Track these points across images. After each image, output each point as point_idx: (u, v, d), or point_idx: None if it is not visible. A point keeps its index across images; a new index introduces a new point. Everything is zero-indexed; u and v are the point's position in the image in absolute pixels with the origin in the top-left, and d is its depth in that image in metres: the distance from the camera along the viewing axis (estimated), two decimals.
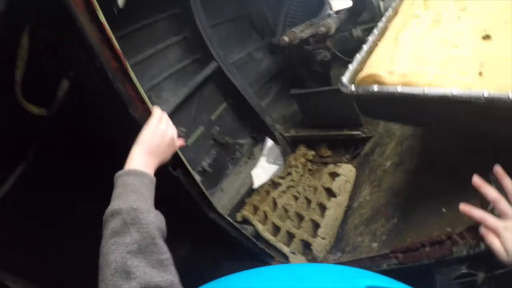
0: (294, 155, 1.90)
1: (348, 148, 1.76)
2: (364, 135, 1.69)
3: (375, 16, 1.74)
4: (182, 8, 1.78)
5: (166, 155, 0.77)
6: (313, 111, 1.85)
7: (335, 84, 1.82)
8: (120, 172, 0.66)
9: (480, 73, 0.76)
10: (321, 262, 1.41)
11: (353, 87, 0.87)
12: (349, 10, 2.01)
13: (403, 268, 0.92)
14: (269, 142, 1.93)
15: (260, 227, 1.64)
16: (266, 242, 1.59)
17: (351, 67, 0.92)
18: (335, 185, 1.55)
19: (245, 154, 1.94)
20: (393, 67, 0.85)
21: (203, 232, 1.37)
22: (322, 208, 1.53)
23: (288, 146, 1.96)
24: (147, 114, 0.80)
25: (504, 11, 0.91)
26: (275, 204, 1.70)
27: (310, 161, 1.84)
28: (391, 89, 0.78)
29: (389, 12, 1.15)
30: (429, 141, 1.21)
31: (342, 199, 1.53)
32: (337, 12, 2.47)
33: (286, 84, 2.20)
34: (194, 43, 1.82)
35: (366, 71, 0.89)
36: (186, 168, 1.03)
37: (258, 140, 2.00)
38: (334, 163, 1.74)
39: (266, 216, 1.68)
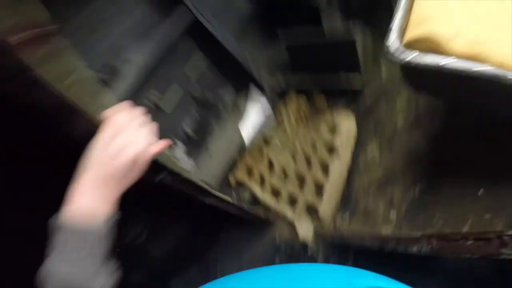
0: (285, 105, 1.70)
1: (346, 94, 1.57)
2: (362, 88, 1.49)
3: None
4: None
5: (130, 177, 0.53)
6: (304, 53, 1.59)
7: (325, 20, 1.54)
8: (58, 220, 0.47)
9: None
10: (328, 225, 1.34)
11: (412, 56, 0.63)
12: None
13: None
14: (255, 92, 1.70)
15: (258, 191, 1.52)
16: (267, 208, 1.48)
17: (396, 24, 0.67)
18: (337, 142, 1.40)
19: (228, 108, 1.71)
20: (456, 26, 0.62)
21: (200, 213, 1.24)
22: (324, 167, 1.40)
23: (277, 95, 1.74)
24: (93, 125, 0.55)
25: None
26: (271, 164, 1.56)
27: (303, 110, 1.65)
28: (468, 66, 0.57)
29: None
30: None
31: (345, 156, 1.40)
32: None
33: (268, 26, 1.86)
34: None
35: (418, 31, 0.64)
36: (172, 169, 0.82)
37: (242, 90, 1.75)
38: (331, 112, 1.57)
39: (263, 179, 1.54)
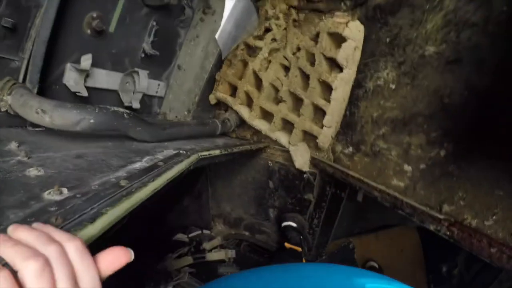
0: (271, 2, 1.34)
1: None
2: None
3: None
4: None
5: None
6: None
7: None
8: None
9: None
10: (327, 153, 1.23)
11: None
12: None
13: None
14: None
15: (245, 113, 1.31)
16: (257, 134, 1.31)
17: None
18: (341, 55, 1.16)
19: (198, 9, 1.32)
20: None
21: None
22: (326, 86, 1.20)
23: None
24: None
25: None
26: (258, 79, 1.31)
27: (294, 7, 1.32)
28: None
29: None
30: None
31: (350, 72, 1.18)
32: None
33: None
34: None
35: None
36: None
37: None
38: (329, 11, 1.27)
39: (250, 98, 1.32)
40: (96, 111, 0.74)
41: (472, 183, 0.77)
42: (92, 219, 0.42)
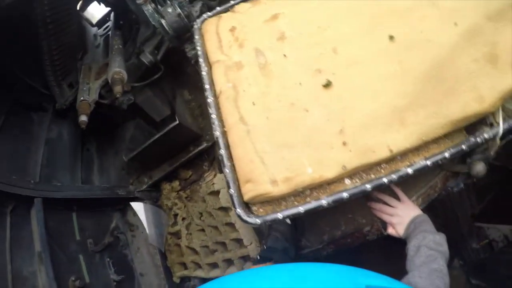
0: (164, 196, 1.94)
1: (203, 159, 1.88)
2: (209, 143, 1.81)
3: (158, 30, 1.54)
4: None
5: None
6: (154, 156, 1.82)
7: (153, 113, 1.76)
8: None
9: (344, 143, 0.88)
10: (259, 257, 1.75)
11: (258, 220, 0.87)
12: (114, 25, 1.73)
13: None
14: (137, 206, 1.87)
15: (202, 274, 1.81)
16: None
17: (232, 191, 0.91)
18: (224, 202, 1.75)
19: (126, 231, 1.86)
20: (270, 171, 0.89)
21: None
22: (230, 224, 1.76)
23: (153, 193, 1.95)
24: None
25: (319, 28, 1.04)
26: (193, 250, 1.84)
27: (180, 190, 1.92)
28: (294, 210, 0.86)
29: (203, 69, 1.13)
30: None
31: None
32: (99, 25, 2.10)
33: (101, 141, 1.96)
34: None
35: (250, 190, 0.88)
36: None
37: (125, 211, 1.90)
38: (199, 178, 1.88)
39: (197, 264, 1.83)
40: None
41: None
42: None
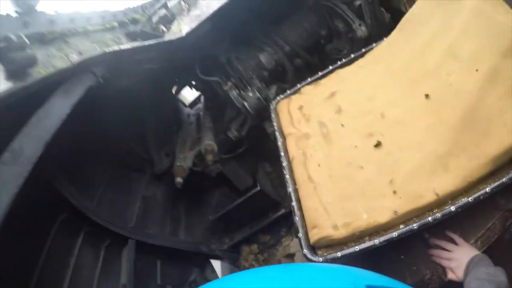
0: (243, 257, 2.08)
1: (281, 224, 2.01)
2: (288, 209, 1.92)
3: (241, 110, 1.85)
4: None
5: None
6: (237, 219, 2.02)
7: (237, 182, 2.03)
8: None
9: (394, 192, 0.98)
10: None
11: (321, 259, 0.99)
12: (205, 106, 2.12)
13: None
14: (216, 264, 2.04)
15: None
16: None
17: (301, 235, 1.07)
18: None
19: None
20: (332, 218, 1.03)
21: None
22: None
23: (232, 254, 2.11)
24: None
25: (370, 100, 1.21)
26: None
27: (258, 253, 2.05)
28: (350, 250, 0.97)
29: (279, 140, 1.38)
30: None
31: None
32: (192, 105, 2.56)
33: (189, 203, 2.25)
34: None
35: (316, 234, 1.03)
36: None
37: (204, 267, 2.07)
38: (277, 243, 1.98)
39: None
40: None
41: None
42: None
